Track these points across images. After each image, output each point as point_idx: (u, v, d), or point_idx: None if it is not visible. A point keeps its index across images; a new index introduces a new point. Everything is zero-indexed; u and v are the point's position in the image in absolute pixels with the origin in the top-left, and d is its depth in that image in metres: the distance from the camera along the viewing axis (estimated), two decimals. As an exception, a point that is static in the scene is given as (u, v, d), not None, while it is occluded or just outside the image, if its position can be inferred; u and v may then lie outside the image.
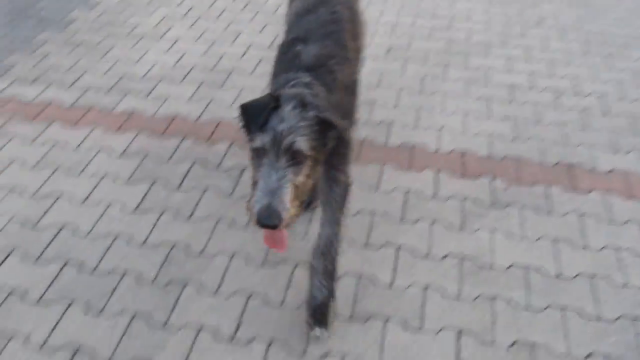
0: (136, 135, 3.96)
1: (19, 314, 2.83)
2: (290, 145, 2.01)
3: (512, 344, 2.67)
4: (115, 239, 3.20)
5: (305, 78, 2.33)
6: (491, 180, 3.54)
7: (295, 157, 2.03)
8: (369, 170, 3.63)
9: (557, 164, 3.69)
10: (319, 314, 2.66)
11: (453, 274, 2.99)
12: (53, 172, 3.67)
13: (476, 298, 2.87)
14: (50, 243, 3.19)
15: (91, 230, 3.26)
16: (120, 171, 3.66)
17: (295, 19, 2.84)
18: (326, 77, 2.40)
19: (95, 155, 3.80)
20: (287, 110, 2.08)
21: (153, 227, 3.26)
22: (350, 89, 2.65)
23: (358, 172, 3.61)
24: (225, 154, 3.78)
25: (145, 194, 3.48)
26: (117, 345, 2.68)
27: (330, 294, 2.70)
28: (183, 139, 3.92)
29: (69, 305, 2.87)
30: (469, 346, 2.67)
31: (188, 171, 3.64)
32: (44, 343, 2.71)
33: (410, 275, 2.98)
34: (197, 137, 3.94)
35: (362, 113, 4.11)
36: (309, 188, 2.17)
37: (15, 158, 3.79)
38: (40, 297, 2.91)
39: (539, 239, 3.17)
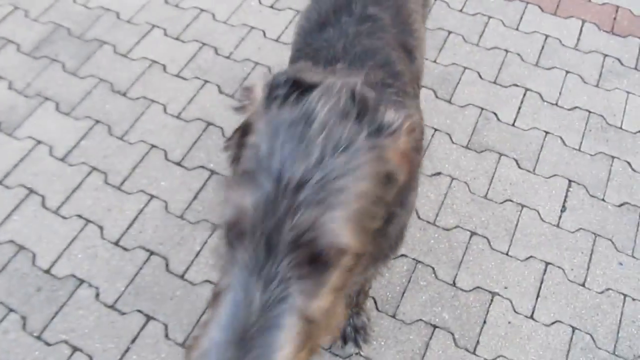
0: None
1: (159, 84, 3.07)
2: (308, 237, 0.90)
3: (621, 204, 2.68)
4: (250, 30, 3.30)
5: None
6: (641, 42, 3.31)
7: (315, 261, 0.93)
8: (512, 6, 3.45)
9: None
10: (355, 337, 2.25)
11: (578, 126, 2.93)
12: (195, -43, 3.71)
13: (596, 154, 2.83)
14: (190, 24, 3.33)
15: (228, 18, 3.36)
16: (260, -34, 3.66)
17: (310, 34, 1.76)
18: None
19: (236, -54, 3.78)
20: (323, 116, 0.95)
21: (287, 25, 3.31)
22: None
23: (500, 6, 3.44)
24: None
25: (282, -7, 3.50)
26: (245, 128, 2.89)
27: (366, 320, 2.27)
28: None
29: (205, 83, 3.06)
30: (578, 196, 2.70)
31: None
32: (180, 113, 2.95)
33: (533, 119, 2.95)
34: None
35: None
36: (335, 317, 1.04)
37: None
38: (179, 72, 3.12)
39: (677, 110, 3.01)
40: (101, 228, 2.57)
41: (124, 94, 3.02)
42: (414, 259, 2.49)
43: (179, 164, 2.77)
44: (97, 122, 2.92)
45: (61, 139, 2.85)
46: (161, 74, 3.10)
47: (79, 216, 2.61)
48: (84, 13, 3.39)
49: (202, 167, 2.75)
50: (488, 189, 2.70)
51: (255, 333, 0.87)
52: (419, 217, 2.60)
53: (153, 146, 2.83)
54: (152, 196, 2.67)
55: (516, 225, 2.61)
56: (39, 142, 2.85)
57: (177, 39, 3.26)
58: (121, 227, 2.58)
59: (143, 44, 3.23)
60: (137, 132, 2.87)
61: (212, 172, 2.74)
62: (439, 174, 2.74)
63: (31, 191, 2.68)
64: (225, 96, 3.00)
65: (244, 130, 1.06)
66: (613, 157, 2.83)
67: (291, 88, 1.00)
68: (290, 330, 0.89)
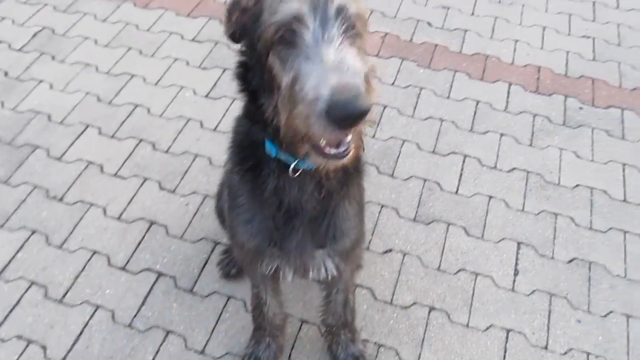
0: (207, 21, 3.94)
1: (96, 186, 2.98)
2: (343, 5, 1.28)
3: (571, 260, 2.72)
4: (187, 122, 3.27)
5: None
6: (565, 99, 3.46)
7: (350, 28, 1.31)
8: (441, 76, 3.57)
9: (634, 89, 3.56)
10: None
11: (518, 187, 3.00)
12: (126, 52, 3.71)
13: (539, 213, 2.89)
14: (125, 120, 3.28)
15: (164, 111, 3.33)
16: (192, 56, 3.68)
17: None
18: None
19: (166, 39, 3.81)
20: None
21: (224, 114, 3.31)
22: None
23: (429, 77, 3.56)
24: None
25: (217, 81, 3.51)
26: (189, 224, 2.82)
27: (362, 347, 2.37)
28: (254, 30, 3.88)
29: (144, 181, 2.99)
30: (528, 257, 2.73)
31: (258, 62, 3.64)
32: (120, 215, 2.86)
33: (475, 185, 3.00)
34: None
35: (437, 18, 3.99)
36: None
37: (89, 35, 3.82)
38: (117, 171, 3.04)
39: (608, 162, 3.13)
40: (44, 348, 2.41)
41: (61, 199, 2.91)
42: (375, 342, 2.43)
43: (123, 268, 2.66)
44: (34, 231, 2.79)
45: (-5, 254, 2.70)
46: (98, 175, 3.01)
47: (19, 337, 2.45)
48: (13, 117, 3.30)
49: (148, 269, 2.65)
50: (440, 261, 2.70)
51: (341, 61, 1.17)
52: (375, 299, 2.56)
53: (95, 252, 2.71)
54: (97, 306, 2.54)
55: (472, 294, 2.60)
56: (-29, 259, 2.69)
57: (112, 137, 3.19)
58: (66, 344, 2.42)
59: (77, 145, 3.15)
60: (77, 239, 2.76)
61: (159, 273, 2.63)
62: (390, 250, 2.73)
63: (-36, 315, 2.51)
64: (167, 192, 2.94)
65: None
66: (556, 214, 2.89)
67: None
68: (359, 58, 1.23)
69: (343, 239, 1.80)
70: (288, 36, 1.26)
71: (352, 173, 1.70)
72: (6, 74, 3.55)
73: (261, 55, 1.35)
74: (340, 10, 1.27)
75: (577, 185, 3.01)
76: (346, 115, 1.12)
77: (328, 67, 1.17)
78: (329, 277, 1.88)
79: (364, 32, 1.37)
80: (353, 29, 1.31)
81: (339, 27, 1.25)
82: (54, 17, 3.95)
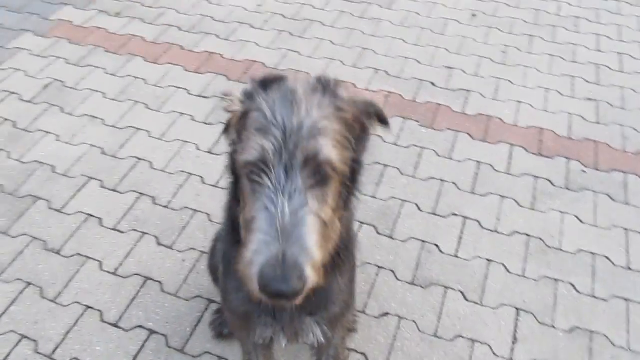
0: (214, 77, 4.02)
1: (94, 240, 2.98)
2: (312, 154, 1.28)
3: (571, 330, 2.65)
4: (188, 177, 3.30)
5: None
6: (568, 162, 3.45)
7: (319, 174, 1.31)
8: (443, 136, 3.59)
9: (638, 152, 3.55)
10: None
11: (519, 251, 2.96)
12: (133, 106, 3.78)
13: (540, 278, 2.84)
14: (127, 174, 3.31)
15: (166, 166, 3.36)
16: (197, 112, 3.74)
17: None
18: None
19: (173, 94, 3.87)
20: (301, 92, 1.36)
21: (226, 170, 3.33)
22: None
23: (432, 137, 3.57)
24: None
25: (220, 137, 3.54)
26: (184, 281, 2.80)
27: None
28: (259, 86, 3.94)
29: (142, 235, 2.99)
30: (527, 324, 2.67)
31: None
32: (116, 269, 2.85)
33: (475, 248, 2.97)
34: (273, 85, 3.95)
35: (441, 78, 4.04)
36: (336, 229, 1.44)
37: (98, 89, 3.91)
38: (116, 225, 3.05)
39: (610, 227, 3.09)
40: (29, 406, 2.37)
41: (58, 252, 2.91)
42: (367, 411, 2.37)
43: (115, 325, 2.63)
44: (29, 284, 2.78)
45: (-12, 307, 2.69)
46: (97, 228, 3.02)
47: (6, 394, 2.41)
48: (17, 168, 3.34)
49: (140, 326, 2.62)
50: (437, 326, 2.65)
51: (290, 229, 1.22)
52: (369, 364, 2.51)
53: (88, 307, 2.69)
54: (86, 364, 2.50)
55: (469, 363, 2.53)
56: (-36, 311, 2.67)
57: (113, 190, 3.22)
58: (52, 403, 2.38)
59: (79, 198, 3.17)
60: (71, 293, 2.74)
61: (151, 331, 2.60)
62: (386, 314, 2.68)
63: (-47, 368, 2.48)
64: (164, 247, 2.93)
65: (241, 116, 1.42)
66: (557, 280, 2.84)
67: (271, 81, 1.43)
68: (314, 225, 1.27)
69: (332, 307, 1.80)
70: (254, 175, 1.31)
71: (343, 255, 1.70)
72: (14, 124, 3.62)
73: (238, 175, 1.44)
74: (309, 159, 1.28)
75: (579, 251, 2.97)
76: (272, 293, 1.20)
77: (271, 236, 1.23)
78: (317, 343, 1.86)
79: (338, 176, 1.36)
80: (324, 177, 1.32)
81: (305, 178, 1.28)
82: (66, 69, 4.05)
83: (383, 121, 1.51)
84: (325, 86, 1.42)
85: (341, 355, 2.19)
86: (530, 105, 3.84)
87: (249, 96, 1.43)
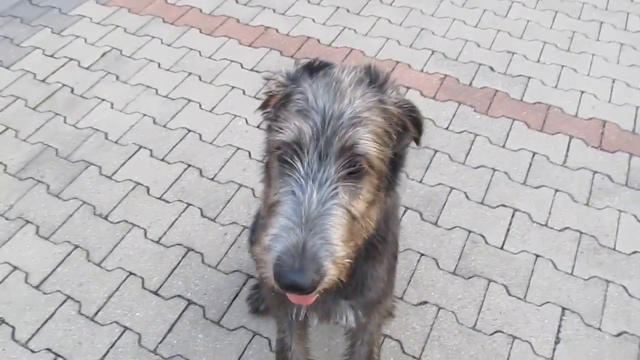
0: (268, 52, 3.99)
1: (141, 208, 3.03)
2: (350, 144, 1.23)
3: (619, 334, 2.53)
4: (236, 151, 3.30)
5: None
6: (630, 157, 3.27)
7: (354, 166, 1.26)
8: (498, 123, 3.46)
9: None
10: None
11: (569, 248, 2.84)
12: (186, 77, 3.80)
13: (589, 278, 2.72)
14: (176, 145, 3.35)
15: (215, 139, 3.37)
16: (248, 86, 3.73)
17: None
18: None
19: (226, 67, 3.88)
20: (347, 81, 1.32)
21: (273, 146, 3.32)
22: None
23: (486, 123, 3.45)
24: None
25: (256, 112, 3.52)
26: (225, 254, 2.82)
27: None
28: (312, 63, 3.89)
29: (187, 206, 3.03)
30: (572, 325, 2.56)
31: (313, 96, 3.63)
32: (160, 238, 2.90)
33: (522, 242, 2.86)
34: (326, 63, 3.89)
35: (500, 63, 3.88)
36: (368, 225, 1.38)
37: (153, 59, 3.95)
38: (162, 195, 3.09)
39: (671, 229, 2.92)
40: (70, 364, 2.45)
41: (105, 218, 2.98)
42: (398, 399, 2.33)
43: (155, 292, 2.68)
44: (76, 247, 2.86)
45: (38, 265, 2.78)
46: (144, 196, 3.07)
47: (49, 350, 2.50)
48: (72, 133, 3.42)
49: (180, 296, 2.66)
50: (477, 319, 2.58)
51: (315, 219, 1.17)
52: (403, 352, 2.46)
53: (130, 273, 2.75)
54: (125, 328, 2.56)
55: (507, 359, 2.45)
56: (15, 268, 2.78)
57: (162, 160, 3.26)
58: (91, 363, 2.46)
59: (128, 166, 3.23)
60: (115, 259, 2.81)
61: (189, 302, 2.64)
62: (424, 303, 2.63)
63: (2, 321, 2.59)
64: (207, 220, 2.96)
65: (282, 97, 1.38)
66: (608, 282, 2.71)
67: (318, 67, 1.40)
68: (341, 218, 1.21)
69: (367, 293, 1.76)
70: (287, 156, 1.26)
71: (380, 244, 1.66)
72: (72, 90, 3.70)
73: (268, 154, 1.42)
74: (345, 150, 1.23)
75: (634, 252, 2.82)
76: (286, 284, 1.16)
77: (293, 222, 1.18)
78: (349, 327, 1.83)
79: (374, 172, 1.31)
80: (359, 170, 1.26)
81: (338, 168, 1.23)
82: (124, 38, 4.11)
83: (419, 129, 1.46)
84: (373, 78, 1.38)
85: (375, 340, 2.16)
86: (594, 95, 3.65)
87: (293, 79, 1.40)
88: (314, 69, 1.41)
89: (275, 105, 1.42)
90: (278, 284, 1.17)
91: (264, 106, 1.49)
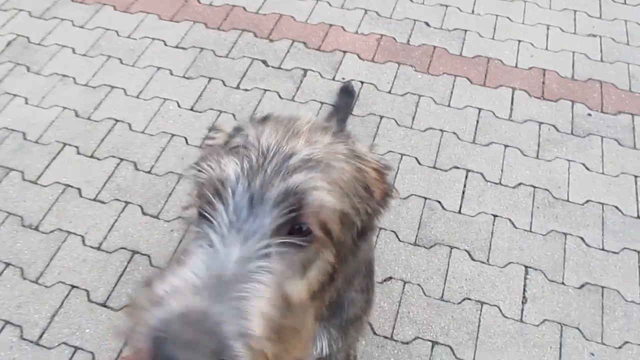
0: (191, 26, 3.72)
1: (75, 212, 2.78)
2: (297, 189, 0.92)
3: (582, 286, 2.55)
4: (171, 138, 3.07)
5: None
6: (572, 105, 3.26)
7: (299, 224, 0.93)
8: (440, 81, 3.37)
9: (645, 91, 3.37)
10: None
11: (525, 204, 2.82)
12: (105, 61, 3.49)
13: (547, 233, 2.71)
14: (104, 138, 3.08)
15: (146, 127, 3.13)
16: (175, 65, 3.46)
17: None
18: None
19: (148, 46, 3.58)
20: (306, 126, 1.07)
21: (211, 129, 3.11)
22: None
23: (428, 83, 3.35)
24: (286, 53, 3.52)
25: (202, 92, 3.30)
26: (174, 253, 2.64)
27: None
28: (241, 34, 3.66)
29: (126, 205, 2.80)
30: (537, 282, 2.56)
31: (247, 70, 3.42)
32: (100, 244, 2.68)
33: (479, 203, 2.82)
34: (256, 33, 3.67)
35: (435, 17, 3.77)
36: (307, 328, 0.97)
37: (66, 44, 3.60)
38: (97, 195, 2.85)
39: (619, 174, 2.95)
40: (19, 396, 2.24)
41: (36, 228, 2.72)
42: (375, 384, 2.27)
43: (103, 304, 2.48)
44: (8, 265, 2.60)
45: (-34, 290, 2.52)
46: (76, 199, 2.82)
47: (-7, 383, 2.27)
48: (-15, 137, 3.09)
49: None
50: (443, 289, 2.53)
51: (230, 283, 0.81)
52: (374, 333, 2.39)
53: (73, 287, 2.53)
54: (76, 348, 2.36)
55: (478, 326, 2.43)
56: (-60, 296, 2.50)
57: (91, 156, 2.99)
58: (42, 391, 2.25)
59: (54, 167, 2.95)
60: (54, 272, 2.57)
61: (142, 310, 2.45)
62: (389, 278, 2.55)
63: None
64: (150, 217, 2.75)
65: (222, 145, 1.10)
66: (565, 234, 2.71)
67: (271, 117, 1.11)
68: (267, 289, 0.83)
69: (344, 314, 1.52)
70: (209, 199, 0.95)
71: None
72: (-22, 87, 3.33)
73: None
74: (289, 195, 0.90)
75: (587, 201, 2.83)
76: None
77: (201, 280, 0.82)
78: (323, 353, 1.56)
79: (329, 240, 0.96)
80: (305, 235, 0.92)
81: (276, 219, 0.90)
82: (30, 23, 3.72)
83: (388, 194, 1.16)
84: (338, 130, 1.11)
85: (353, 346, 2.03)
86: (531, 44, 3.61)
87: (238, 129, 1.12)
88: (267, 119, 1.12)
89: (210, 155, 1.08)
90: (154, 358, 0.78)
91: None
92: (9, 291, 2.52)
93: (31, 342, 2.38)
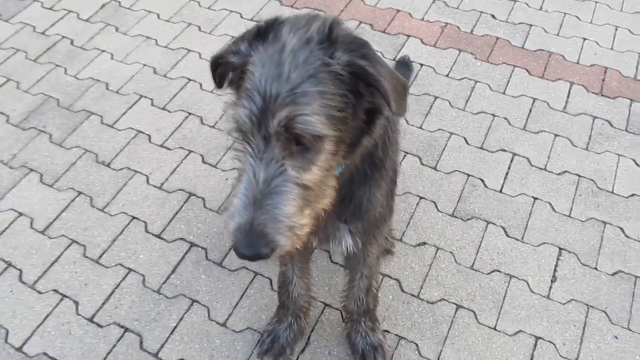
0: (267, 1, 3.95)
1: (143, 155, 3.06)
2: (287, 124, 1.23)
3: (615, 273, 2.57)
4: (236, 99, 3.30)
5: None
6: (631, 103, 3.26)
7: (300, 142, 1.27)
8: (499, 70, 3.44)
9: None
10: (374, 355, 2.31)
11: (567, 191, 2.86)
12: (185, 28, 3.78)
13: (587, 220, 2.75)
14: (177, 94, 3.35)
15: (215, 87, 3.37)
16: (249, 35, 3.70)
17: None
18: None
19: (226, 17, 3.85)
20: (290, 47, 1.28)
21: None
22: None
23: (486, 70, 3.44)
24: (352, 34, 3.69)
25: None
26: (226, 199, 2.85)
27: (381, 337, 2.33)
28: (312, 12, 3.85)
29: (189, 153, 3.05)
30: (569, 264, 2.60)
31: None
32: (162, 184, 2.93)
33: (521, 185, 2.89)
34: (326, 12, 3.87)
35: (502, 11, 3.84)
36: (328, 187, 1.40)
37: (152, 10, 3.92)
38: (164, 142, 3.11)
39: (670, 173, 2.93)
40: (76, 303, 2.51)
41: (108, 165, 3.01)
42: (396, 334, 2.39)
43: (158, 236, 2.73)
44: (80, 193, 2.90)
45: (43, 211, 2.83)
46: (146, 144, 3.10)
47: (55, 291, 2.56)
48: (73, 84, 3.43)
49: (182, 239, 2.71)
50: (474, 259, 2.62)
51: (262, 199, 1.25)
52: (402, 290, 2.52)
53: (134, 218, 2.79)
54: (129, 270, 2.61)
55: (504, 297, 2.50)
56: (21, 214, 2.82)
57: (163, 108, 3.27)
58: (97, 302, 2.52)
59: (130, 115, 3.25)
60: (119, 204, 2.85)
61: (192, 244, 2.69)
62: (423, 244, 2.67)
63: (9, 265, 2.64)
64: (208, 166, 2.98)
65: (239, 70, 1.36)
66: (605, 223, 2.74)
67: (266, 30, 1.34)
68: (290, 193, 1.27)
69: (366, 216, 1.77)
70: (240, 140, 1.32)
71: (371, 171, 1.68)
72: (72, 42, 3.69)
73: None
74: (282, 128, 1.23)
75: (632, 195, 2.84)
76: (240, 256, 1.29)
77: (244, 202, 1.27)
78: (348, 251, 1.85)
79: (322, 143, 1.29)
80: (305, 146, 1.28)
81: (281, 147, 1.25)
82: (123, -10, 4.07)
83: (382, 92, 1.31)
84: (322, 36, 1.29)
85: (374, 274, 2.19)
86: (597, 43, 3.62)
87: (245, 49, 1.36)
88: (262, 33, 1.35)
89: (233, 80, 1.43)
90: (235, 253, 1.30)
91: (220, 84, 1.53)
92: (78, 215, 2.81)
93: (92, 259, 2.65)
